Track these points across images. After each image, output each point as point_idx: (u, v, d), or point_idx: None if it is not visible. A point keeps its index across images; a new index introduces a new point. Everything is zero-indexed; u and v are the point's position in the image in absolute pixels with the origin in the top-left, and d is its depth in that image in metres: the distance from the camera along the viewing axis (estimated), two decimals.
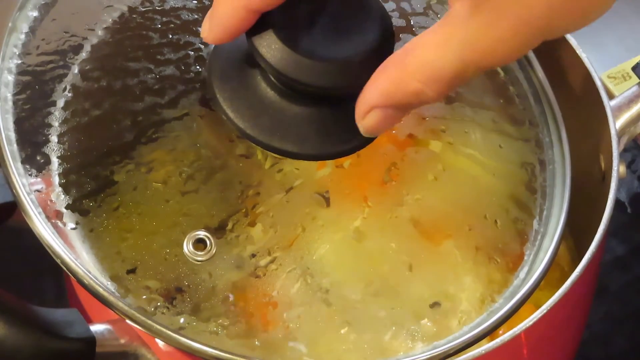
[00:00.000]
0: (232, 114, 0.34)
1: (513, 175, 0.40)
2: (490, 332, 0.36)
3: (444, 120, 0.40)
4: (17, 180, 0.34)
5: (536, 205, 0.40)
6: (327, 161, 0.37)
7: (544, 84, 0.43)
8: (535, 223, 0.39)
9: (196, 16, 0.39)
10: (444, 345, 0.35)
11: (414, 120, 0.39)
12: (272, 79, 0.33)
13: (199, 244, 0.35)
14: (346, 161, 0.37)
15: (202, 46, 0.38)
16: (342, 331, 0.35)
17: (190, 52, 0.38)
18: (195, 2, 0.39)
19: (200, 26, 0.38)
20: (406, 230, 0.37)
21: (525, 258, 0.38)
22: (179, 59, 0.37)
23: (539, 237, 0.39)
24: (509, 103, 0.42)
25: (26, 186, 0.34)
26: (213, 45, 0.35)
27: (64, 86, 0.37)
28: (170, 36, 0.38)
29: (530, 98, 0.43)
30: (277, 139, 0.34)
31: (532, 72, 0.44)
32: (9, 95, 0.36)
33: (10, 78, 0.36)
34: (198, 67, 0.37)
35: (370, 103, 0.31)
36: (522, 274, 0.38)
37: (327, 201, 0.37)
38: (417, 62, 0.29)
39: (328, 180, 0.37)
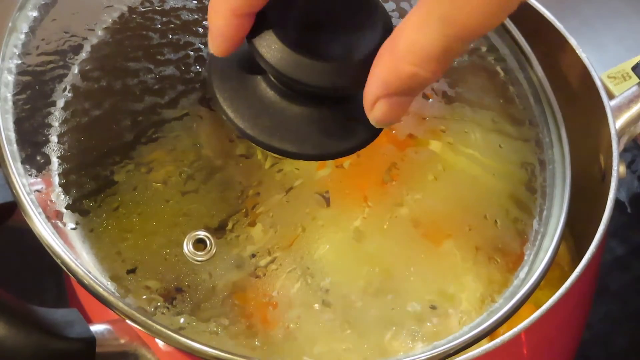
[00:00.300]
0: (232, 114, 0.34)
1: (513, 175, 0.40)
2: (490, 332, 0.36)
3: (444, 120, 0.40)
4: (17, 180, 0.34)
5: (536, 205, 0.40)
6: (327, 161, 0.37)
7: (544, 84, 0.43)
8: (535, 223, 0.39)
9: (196, 16, 0.39)
10: (444, 345, 0.35)
11: (414, 120, 0.39)
12: (272, 79, 0.33)
13: (199, 244, 0.35)
14: (346, 161, 0.37)
15: (202, 46, 0.38)
16: (342, 331, 0.35)
17: (190, 52, 0.38)
18: (195, 2, 0.39)
19: (200, 26, 0.38)
20: (406, 230, 0.37)
21: (525, 258, 0.38)
22: (179, 59, 0.37)
23: (539, 237, 0.39)
24: (509, 103, 0.42)
25: (26, 186, 0.34)
26: None
27: (64, 86, 0.37)
28: (170, 36, 0.38)
29: (530, 98, 0.43)
30: (277, 139, 0.34)
31: (532, 72, 0.44)
32: (9, 95, 0.36)
33: (10, 78, 0.36)
34: (198, 67, 0.37)
35: (374, 94, 0.31)
36: (522, 274, 0.38)
37: (327, 201, 0.37)
38: (404, 45, 0.29)
39: (328, 180, 0.37)
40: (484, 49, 0.43)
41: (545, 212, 0.40)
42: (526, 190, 0.40)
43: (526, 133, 0.42)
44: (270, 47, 0.32)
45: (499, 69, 0.43)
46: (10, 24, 0.37)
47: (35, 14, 0.38)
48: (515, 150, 0.41)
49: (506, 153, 0.40)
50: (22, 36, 0.37)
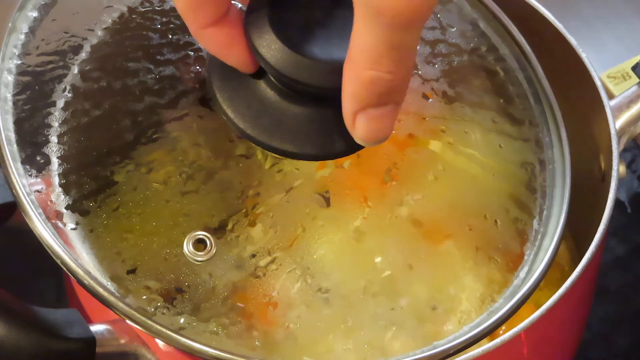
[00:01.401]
0: (232, 114, 0.34)
1: (513, 175, 0.40)
2: (490, 332, 0.36)
3: (444, 120, 0.40)
4: (17, 180, 0.34)
5: (536, 205, 0.40)
6: (327, 161, 0.37)
7: (544, 84, 0.43)
8: (535, 223, 0.39)
9: None
10: (444, 345, 0.35)
11: (414, 120, 0.39)
12: (272, 79, 0.33)
13: (199, 244, 0.35)
14: (346, 161, 0.37)
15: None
16: (342, 331, 0.35)
17: (190, 52, 0.38)
18: None
19: None
20: (406, 230, 0.37)
21: (525, 258, 0.38)
22: (179, 59, 0.37)
23: (539, 237, 0.39)
24: (509, 103, 0.42)
25: (26, 186, 0.34)
26: None
27: (63, 86, 0.37)
28: (170, 36, 0.38)
29: (530, 98, 0.43)
30: (277, 139, 0.34)
31: (532, 72, 0.44)
32: (9, 96, 0.36)
33: (10, 78, 0.36)
34: (198, 67, 0.37)
35: (349, 111, 0.30)
36: (522, 274, 0.38)
37: (327, 201, 0.37)
38: (355, 51, 0.29)
39: (328, 180, 0.37)
40: (484, 49, 0.43)
41: (545, 212, 0.40)
42: (526, 190, 0.40)
43: (526, 133, 0.42)
44: (270, 47, 0.31)
45: (499, 69, 0.43)
46: (10, 24, 0.37)
47: (35, 14, 0.38)
48: (515, 150, 0.41)
49: (506, 153, 0.40)
50: (22, 36, 0.37)
